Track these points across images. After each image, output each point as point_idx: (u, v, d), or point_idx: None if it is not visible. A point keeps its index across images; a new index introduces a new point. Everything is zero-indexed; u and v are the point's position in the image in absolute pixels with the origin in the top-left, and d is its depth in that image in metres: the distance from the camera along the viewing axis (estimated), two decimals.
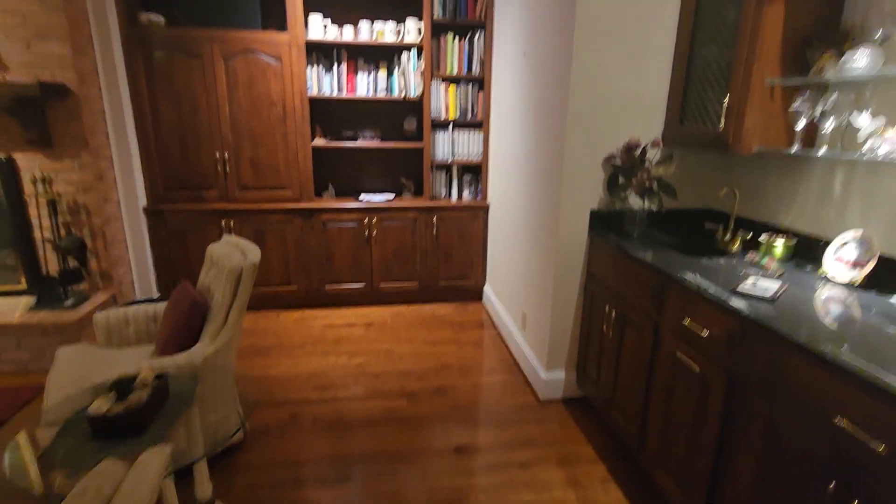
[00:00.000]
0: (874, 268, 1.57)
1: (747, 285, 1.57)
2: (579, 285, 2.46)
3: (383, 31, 3.48)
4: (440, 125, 3.65)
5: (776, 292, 1.51)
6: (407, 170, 3.93)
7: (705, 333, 1.53)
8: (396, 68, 3.54)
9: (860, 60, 1.53)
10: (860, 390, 1.05)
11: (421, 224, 3.70)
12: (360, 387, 2.73)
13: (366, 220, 3.62)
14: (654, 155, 2.22)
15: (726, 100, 1.84)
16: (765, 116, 1.78)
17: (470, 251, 3.84)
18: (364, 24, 3.44)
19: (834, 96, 1.61)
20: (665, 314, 1.77)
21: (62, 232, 2.97)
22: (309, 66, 3.42)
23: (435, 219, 3.70)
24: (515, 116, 3.03)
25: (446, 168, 3.78)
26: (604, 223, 2.37)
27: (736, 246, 2.04)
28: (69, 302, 2.90)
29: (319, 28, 3.39)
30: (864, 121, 1.53)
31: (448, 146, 3.68)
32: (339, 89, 3.53)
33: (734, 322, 1.42)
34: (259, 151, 3.48)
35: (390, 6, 3.58)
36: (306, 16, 3.33)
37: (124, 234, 3.31)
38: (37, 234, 2.94)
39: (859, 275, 1.60)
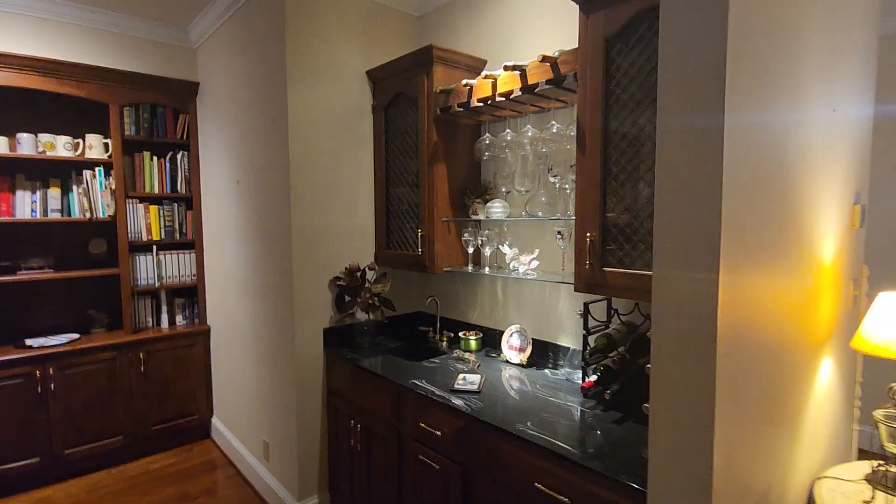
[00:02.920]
0: (532, 350, 2.20)
1: (459, 382, 1.96)
2: (321, 403, 2.52)
3: (54, 145, 2.97)
4: (141, 247, 3.24)
5: (480, 384, 1.94)
6: (98, 301, 3.28)
7: (439, 433, 1.82)
8: (76, 186, 3.03)
9: (496, 207, 2.21)
10: (544, 458, 1.46)
11: (123, 363, 3.10)
12: None
13: (38, 372, 2.81)
14: (372, 275, 2.56)
15: (420, 231, 2.33)
16: (447, 245, 2.33)
17: (191, 383, 3.40)
18: (26, 137, 2.86)
19: (486, 231, 2.26)
20: (404, 421, 2.01)
21: None
22: None
23: (142, 354, 3.16)
24: (233, 237, 2.99)
25: (152, 293, 3.33)
26: (337, 339, 2.54)
27: (445, 343, 2.51)
28: None
29: None
30: (507, 249, 2.20)
31: (153, 269, 3.28)
32: None
33: (458, 419, 1.75)
34: None
35: (63, 120, 3.09)
36: None
37: None
38: None
39: (524, 357, 2.21)
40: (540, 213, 2.09)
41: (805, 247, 1.41)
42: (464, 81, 2.08)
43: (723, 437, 1.06)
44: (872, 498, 1.38)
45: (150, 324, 3.34)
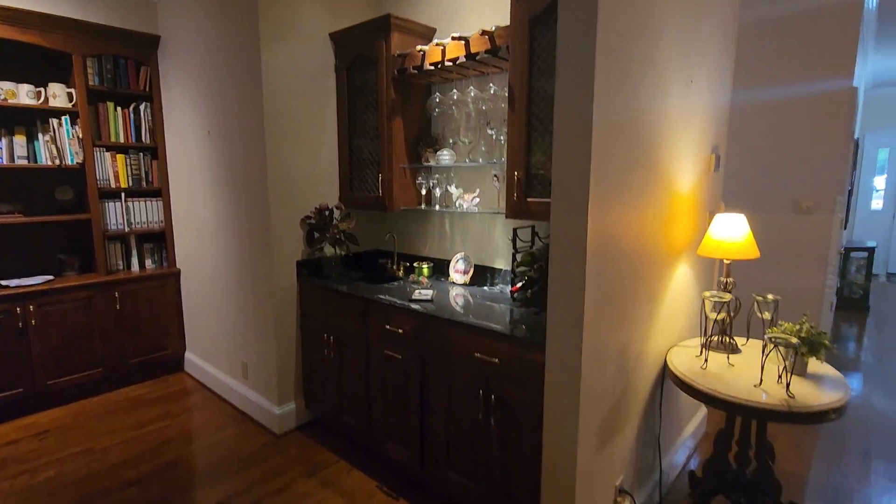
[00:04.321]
0: (473, 272, 2.72)
1: (416, 294, 2.45)
2: (296, 324, 2.94)
3: (15, 93, 3.06)
4: (110, 194, 3.43)
5: (432, 296, 2.44)
6: (67, 246, 3.45)
7: (401, 331, 2.31)
8: (42, 134, 3.15)
9: (444, 155, 2.66)
10: (481, 335, 1.99)
11: (99, 302, 3.34)
12: (64, 499, 2.37)
13: (18, 309, 3.01)
14: (339, 214, 2.96)
15: (380, 176, 2.74)
16: (403, 187, 2.77)
17: (163, 321, 3.69)
18: None
19: (437, 175, 2.71)
20: (371, 327, 2.48)
21: None
22: None
23: (117, 293, 3.41)
24: (205, 184, 3.26)
25: (122, 238, 3.54)
26: (308, 270, 2.94)
27: (401, 273, 2.98)
28: None
29: None
30: (454, 190, 2.67)
31: (122, 215, 3.48)
32: None
33: (416, 319, 2.24)
34: None
35: (26, 69, 3.17)
36: None
37: None
38: None
39: (467, 278, 2.73)
40: (480, 160, 2.57)
41: (663, 184, 1.99)
42: (418, 47, 2.47)
43: (590, 308, 1.61)
44: (700, 353, 2.03)
45: (121, 267, 3.56)
